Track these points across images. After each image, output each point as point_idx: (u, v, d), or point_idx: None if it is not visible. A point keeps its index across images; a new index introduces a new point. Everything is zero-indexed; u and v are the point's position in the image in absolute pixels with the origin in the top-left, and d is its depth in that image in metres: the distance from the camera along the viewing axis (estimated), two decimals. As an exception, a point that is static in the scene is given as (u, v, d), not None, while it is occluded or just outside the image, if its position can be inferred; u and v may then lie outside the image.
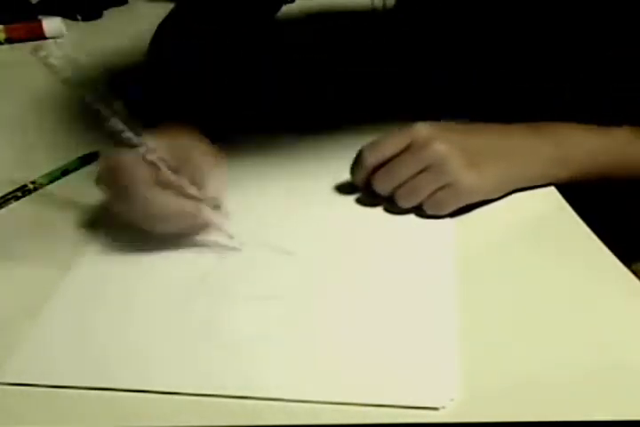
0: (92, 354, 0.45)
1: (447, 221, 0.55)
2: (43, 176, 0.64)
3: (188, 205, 0.51)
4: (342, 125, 0.67)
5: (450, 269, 0.51)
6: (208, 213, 0.52)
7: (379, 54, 0.81)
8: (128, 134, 0.50)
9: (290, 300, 0.49)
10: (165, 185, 0.51)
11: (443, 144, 0.54)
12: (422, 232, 0.55)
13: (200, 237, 0.54)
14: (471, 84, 0.74)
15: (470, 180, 0.54)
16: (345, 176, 0.60)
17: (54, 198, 0.62)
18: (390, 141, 0.55)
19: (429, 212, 0.55)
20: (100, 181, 0.52)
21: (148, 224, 0.51)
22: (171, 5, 0.94)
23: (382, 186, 0.55)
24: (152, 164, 0.50)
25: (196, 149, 0.53)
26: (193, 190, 0.51)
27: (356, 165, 0.57)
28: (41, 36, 1.01)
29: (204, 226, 0.53)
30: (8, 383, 0.43)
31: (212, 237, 0.54)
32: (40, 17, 1.04)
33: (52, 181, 0.64)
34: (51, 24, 1.01)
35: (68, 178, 0.65)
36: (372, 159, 0.55)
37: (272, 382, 0.42)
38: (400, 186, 0.54)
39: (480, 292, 0.49)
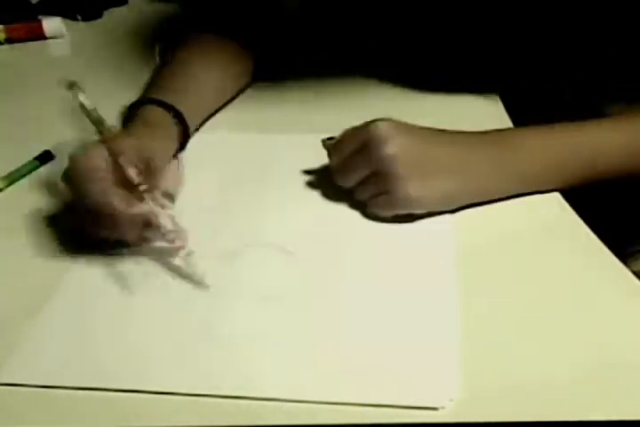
0: (92, 354, 0.45)
1: (448, 220, 0.55)
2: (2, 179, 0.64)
3: (143, 210, 0.50)
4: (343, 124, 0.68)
5: (450, 270, 0.51)
6: (165, 221, 0.50)
7: (378, 53, 0.82)
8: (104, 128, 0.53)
9: (289, 300, 0.48)
10: (126, 187, 0.51)
11: (395, 147, 0.53)
12: (423, 233, 0.55)
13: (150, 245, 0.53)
14: (470, 83, 0.74)
15: (410, 191, 0.53)
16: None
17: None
18: (348, 140, 0.56)
19: (370, 211, 0.56)
20: (64, 178, 0.52)
21: (98, 227, 0.51)
22: (171, 5, 0.94)
23: (341, 183, 0.57)
24: (116, 163, 0.51)
25: (160, 151, 0.56)
26: (154, 194, 0.51)
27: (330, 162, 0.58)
28: (41, 36, 1.00)
29: (153, 235, 0.52)
30: (7, 384, 0.43)
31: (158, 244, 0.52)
32: (40, 17, 1.04)
33: (12, 183, 0.64)
34: (51, 24, 1.01)
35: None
36: (335, 160, 0.57)
37: (271, 382, 0.42)
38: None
39: (480, 292, 0.49)
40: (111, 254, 0.53)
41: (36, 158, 0.66)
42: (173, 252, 0.51)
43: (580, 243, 0.52)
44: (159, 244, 0.52)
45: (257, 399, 0.41)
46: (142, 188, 0.51)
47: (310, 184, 0.62)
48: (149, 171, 0.52)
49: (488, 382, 0.42)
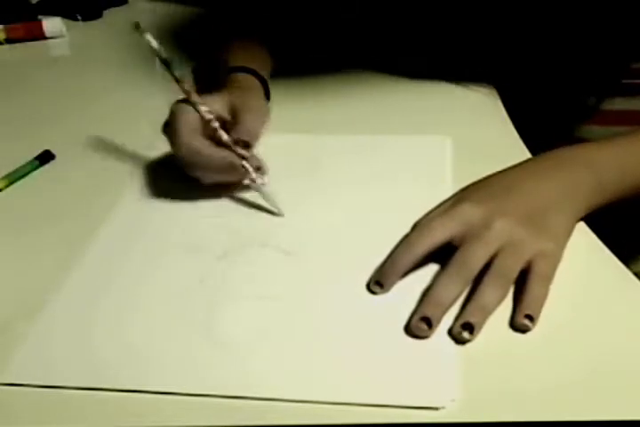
0: (92, 354, 0.45)
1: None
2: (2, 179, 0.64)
3: (230, 159, 0.57)
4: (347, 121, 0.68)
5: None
6: (249, 171, 0.57)
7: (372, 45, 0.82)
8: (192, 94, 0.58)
9: (289, 300, 0.48)
10: (216, 140, 0.57)
11: (501, 219, 0.49)
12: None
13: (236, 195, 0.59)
14: (468, 76, 0.74)
15: (546, 240, 0.49)
16: (345, 174, 0.61)
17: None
18: (440, 228, 0.50)
19: (538, 288, 0.47)
20: (164, 128, 0.61)
21: (191, 171, 0.58)
22: (171, 5, 0.94)
23: (459, 276, 0.47)
24: (208, 122, 0.57)
25: (249, 109, 0.60)
26: (239, 149, 0.57)
27: (402, 249, 0.50)
28: (41, 36, 1.01)
29: (242, 185, 0.58)
30: (7, 384, 0.43)
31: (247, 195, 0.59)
32: (40, 17, 1.04)
33: (12, 183, 0.64)
34: (51, 24, 1.01)
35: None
36: (422, 247, 0.49)
37: (272, 382, 0.42)
38: (485, 275, 0.47)
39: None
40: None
41: (36, 158, 0.66)
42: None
43: (582, 244, 0.52)
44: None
45: (258, 399, 0.41)
46: (227, 139, 0.57)
47: (312, 184, 0.62)
48: (235, 121, 0.59)
49: (488, 382, 0.42)
